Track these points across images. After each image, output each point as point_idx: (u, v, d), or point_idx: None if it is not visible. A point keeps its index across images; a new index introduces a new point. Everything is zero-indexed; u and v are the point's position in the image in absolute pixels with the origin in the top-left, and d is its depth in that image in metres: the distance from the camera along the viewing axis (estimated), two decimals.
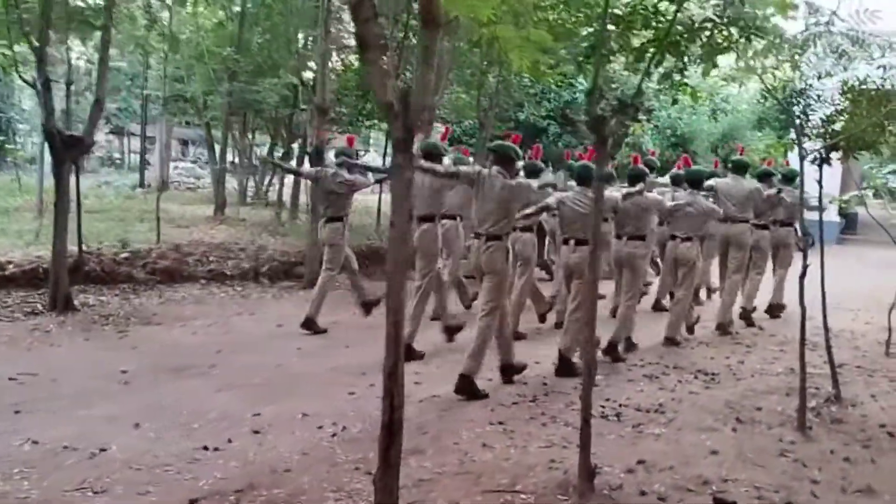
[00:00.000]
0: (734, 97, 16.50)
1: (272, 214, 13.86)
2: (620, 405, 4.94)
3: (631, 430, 4.47)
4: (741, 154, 8.42)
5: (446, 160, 6.76)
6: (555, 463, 3.88)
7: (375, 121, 13.85)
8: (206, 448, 3.96)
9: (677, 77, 5.54)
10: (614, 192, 6.13)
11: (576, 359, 5.58)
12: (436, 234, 6.43)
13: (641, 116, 14.30)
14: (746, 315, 7.89)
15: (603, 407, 4.88)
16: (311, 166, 8.18)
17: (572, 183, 6.42)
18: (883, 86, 4.96)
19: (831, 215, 14.16)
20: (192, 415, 4.49)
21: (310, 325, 6.73)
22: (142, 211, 11.97)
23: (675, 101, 14.79)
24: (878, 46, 5.04)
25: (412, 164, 2.61)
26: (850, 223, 19.84)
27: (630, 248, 6.36)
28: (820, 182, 5.42)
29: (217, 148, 15.45)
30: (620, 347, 6.25)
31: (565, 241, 5.90)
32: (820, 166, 5.27)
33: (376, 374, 5.51)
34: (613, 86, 11.64)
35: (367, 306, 7.35)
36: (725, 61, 5.46)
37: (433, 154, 6.20)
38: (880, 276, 11.32)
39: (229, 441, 4.08)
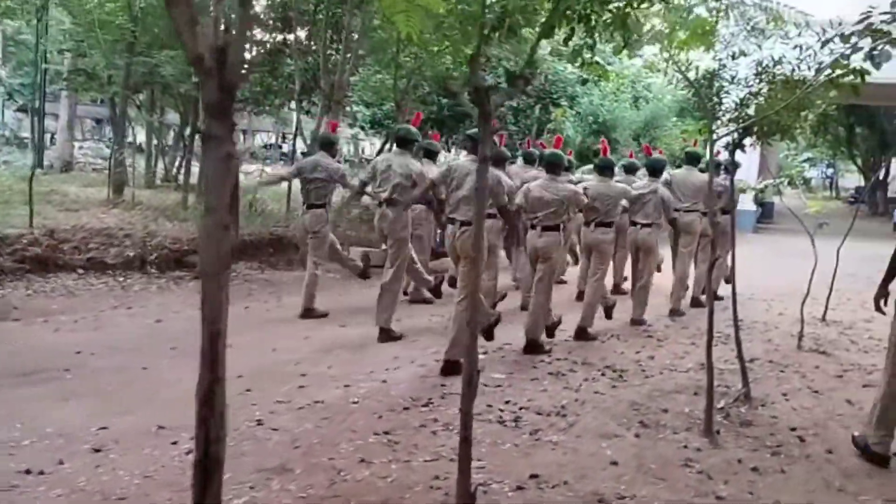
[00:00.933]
0: (657, 86, 16.41)
1: (179, 198, 13.01)
2: (521, 408, 4.54)
3: (528, 437, 4.07)
4: (648, 154, 8.33)
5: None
6: (438, 481, 3.44)
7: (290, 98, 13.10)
8: (28, 472, 3.36)
9: (588, 55, 5.19)
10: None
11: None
12: (406, 219, 6.47)
13: (563, 103, 14.02)
14: (698, 302, 8.11)
15: (502, 410, 4.48)
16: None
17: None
18: (798, 67, 4.69)
19: (747, 204, 14.22)
20: (27, 430, 3.86)
21: (309, 314, 6.80)
22: (37, 193, 10.98)
23: (584, 81, 14.60)
24: (794, 25, 4.79)
25: (232, 134, 2.08)
26: (766, 212, 20.20)
27: (599, 234, 6.62)
28: (728, 169, 5.14)
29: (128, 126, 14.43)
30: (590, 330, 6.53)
31: (532, 227, 6.02)
32: (732, 153, 4.98)
33: (257, 377, 5.14)
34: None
35: (362, 274, 7.77)
36: (651, 51, 5.20)
37: (407, 140, 6.43)
38: (794, 266, 11.34)
39: (60, 463, 3.48)
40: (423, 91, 15.93)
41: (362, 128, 17.45)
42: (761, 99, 4.82)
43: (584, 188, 6.49)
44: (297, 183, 7.62)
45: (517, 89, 3.03)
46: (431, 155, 7.71)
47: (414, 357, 5.61)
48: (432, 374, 5.18)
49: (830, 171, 44.90)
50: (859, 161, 32.08)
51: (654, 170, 7.37)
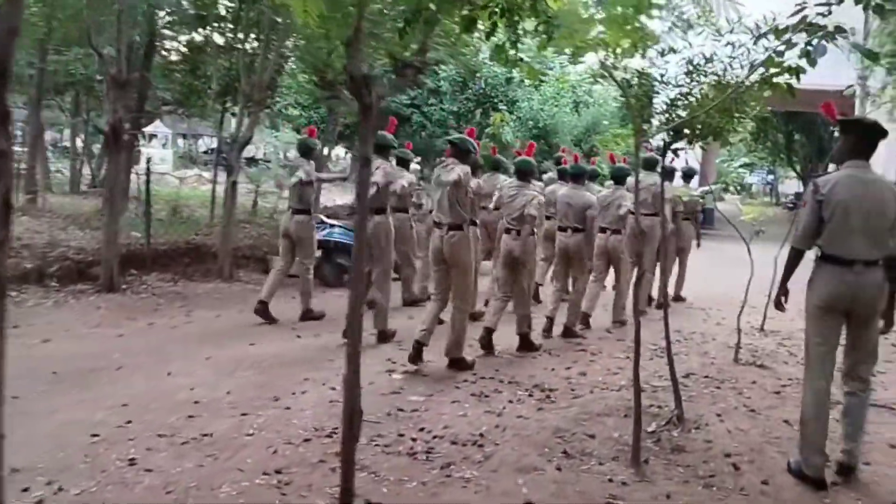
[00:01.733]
0: (599, 91, 16.27)
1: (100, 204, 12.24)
2: (435, 437, 4.11)
3: (438, 472, 3.64)
4: (565, 162, 8.30)
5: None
6: None
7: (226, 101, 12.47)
8: None
9: (512, 52, 4.83)
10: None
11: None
12: (389, 226, 6.40)
13: (501, 107, 13.71)
14: (678, 297, 8.90)
15: (414, 440, 4.04)
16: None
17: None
18: (731, 65, 4.40)
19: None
20: None
21: (308, 315, 6.95)
22: None
23: (509, 80, 14.29)
24: (726, 20, 4.49)
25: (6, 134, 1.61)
26: (706, 218, 20.22)
27: (574, 239, 6.73)
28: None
29: (67, 130, 13.55)
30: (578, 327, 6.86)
31: (507, 231, 6.18)
32: (663, 155, 4.66)
33: (142, 406, 4.54)
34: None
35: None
36: (593, 59, 4.90)
37: (382, 146, 6.35)
38: (734, 273, 11.21)
39: None
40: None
41: (297, 130, 16.87)
42: (693, 100, 4.52)
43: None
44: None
45: (405, 80, 2.60)
46: (404, 163, 7.48)
47: (326, 378, 5.14)
48: (342, 399, 4.71)
49: (771, 177, 45.83)
50: (798, 167, 32.72)
51: (618, 177, 7.35)
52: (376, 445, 3.95)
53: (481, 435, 4.15)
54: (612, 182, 7.45)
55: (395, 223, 6.66)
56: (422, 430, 4.21)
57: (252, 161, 30.92)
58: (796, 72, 3.98)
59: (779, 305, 3.99)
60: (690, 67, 4.49)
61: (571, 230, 6.73)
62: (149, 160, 10.19)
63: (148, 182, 8.88)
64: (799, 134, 30.04)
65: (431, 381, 5.23)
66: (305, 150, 7.16)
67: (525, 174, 6.28)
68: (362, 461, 3.73)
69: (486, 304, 7.11)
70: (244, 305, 7.28)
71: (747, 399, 5.10)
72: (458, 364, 5.51)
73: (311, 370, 5.37)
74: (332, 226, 8.63)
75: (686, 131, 4.57)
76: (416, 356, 5.51)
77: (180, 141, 38.58)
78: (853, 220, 3.49)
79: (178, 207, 12.98)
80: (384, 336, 6.29)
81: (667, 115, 4.53)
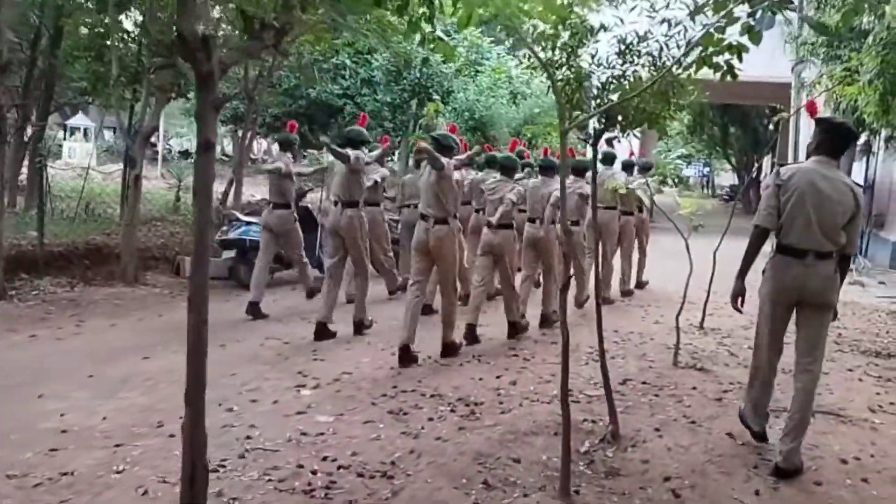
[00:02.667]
0: (537, 83, 15.88)
1: None
2: (340, 467, 3.59)
3: None
4: (527, 156, 8.70)
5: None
6: None
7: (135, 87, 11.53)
8: None
9: (427, 28, 4.35)
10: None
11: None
12: (361, 219, 6.35)
13: (435, 97, 13.20)
14: (640, 285, 9.47)
15: (314, 473, 3.51)
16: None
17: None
18: (667, 45, 3.98)
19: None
20: None
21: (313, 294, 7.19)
22: None
23: (422, 59, 13.70)
24: None
25: None
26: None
27: (542, 231, 6.75)
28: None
29: None
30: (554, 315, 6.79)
31: (488, 225, 6.24)
32: (594, 145, 4.22)
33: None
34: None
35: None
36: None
37: (356, 141, 6.44)
38: (673, 268, 10.97)
39: None
40: (288, 83, 14.78)
41: (223, 122, 16.06)
42: (626, 83, 4.09)
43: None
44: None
45: (261, 44, 2.05)
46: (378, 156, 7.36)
47: (224, 398, 4.55)
48: (239, 423, 4.14)
49: (707, 169, 46.56)
50: (733, 160, 33.19)
51: (578, 170, 7.37)
52: (269, 481, 3.42)
53: (393, 463, 3.64)
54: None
55: (366, 216, 6.63)
56: (325, 458, 3.68)
57: (186, 154, 29.82)
58: (738, 50, 3.59)
59: (735, 304, 3.98)
60: (623, 47, 4.06)
61: (540, 221, 6.78)
62: (40, 154, 9.28)
63: (42, 177, 8.08)
64: (734, 127, 30.41)
65: (344, 396, 4.70)
66: (285, 144, 7.23)
67: (509, 170, 6.55)
68: (249, 502, 3.20)
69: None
70: (145, 313, 6.62)
71: (687, 408, 4.72)
72: (450, 349, 5.75)
73: (208, 387, 4.75)
74: (248, 223, 7.98)
75: (619, 118, 4.16)
76: (405, 359, 5.46)
77: (109, 134, 36.93)
78: (807, 210, 3.56)
79: (92, 204, 12.11)
80: (360, 327, 6.40)
81: (597, 101, 4.09)
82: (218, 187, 15.06)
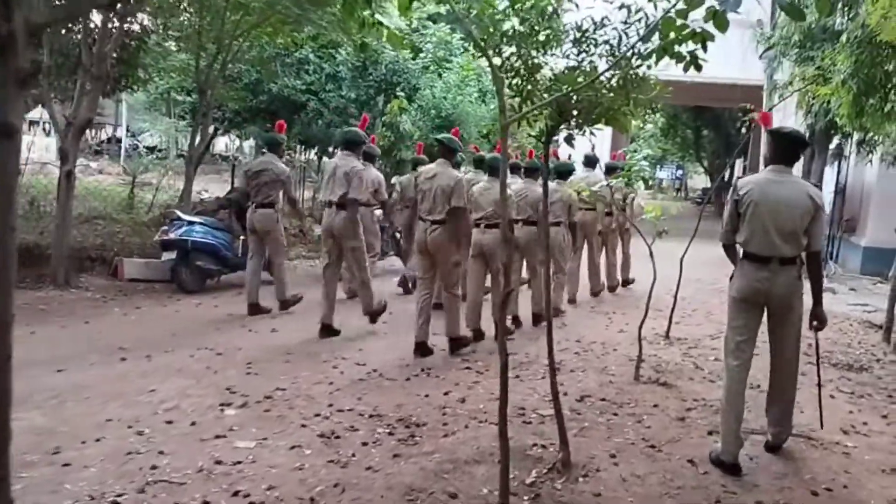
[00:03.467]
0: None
1: None
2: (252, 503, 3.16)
3: None
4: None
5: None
6: None
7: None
8: None
9: (367, 13, 3.96)
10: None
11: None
12: (356, 220, 6.31)
13: (399, 93, 12.76)
14: (626, 282, 9.67)
15: None
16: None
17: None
18: (626, 32, 3.61)
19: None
20: None
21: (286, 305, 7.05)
22: None
23: (388, 55, 13.32)
24: None
25: None
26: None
27: (525, 233, 6.78)
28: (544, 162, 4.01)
29: None
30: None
31: (476, 225, 6.29)
32: (546, 143, 3.83)
33: None
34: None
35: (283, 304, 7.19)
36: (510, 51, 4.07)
37: (354, 142, 6.45)
38: (640, 272, 10.67)
39: None
40: (249, 77, 14.26)
41: (182, 117, 15.48)
42: (582, 75, 3.71)
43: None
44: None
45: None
46: (370, 158, 7.30)
47: (137, 418, 4.10)
48: (147, 448, 3.69)
49: (680, 172, 46.63)
50: (706, 163, 33.18)
51: (561, 173, 7.60)
52: None
53: (312, 500, 3.22)
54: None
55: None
56: (237, 493, 3.25)
57: (151, 150, 28.91)
58: (702, 39, 3.23)
59: None
60: (578, 34, 3.68)
61: (523, 223, 6.80)
62: None
63: None
64: (707, 130, 30.37)
65: (273, 417, 4.26)
66: (273, 145, 7.09)
67: (497, 171, 6.35)
68: None
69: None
70: (70, 319, 6.12)
71: (647, 429, 4.35)
72: (456, 342, 5.91)
73: (121, 406, 4.31)
74: (190, 223, 7.50)
75: (574, 113, 3.79)
76: (422, 352, 5.76)
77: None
78: (766, 219, 3.72)
79: (41, 202, 11.48)
80: (374, 315, 6.60)
81: (548, 94, 3.71)
82: (177, 184, 14.58)
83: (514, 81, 3.68)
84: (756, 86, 15.82)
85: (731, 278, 3.97)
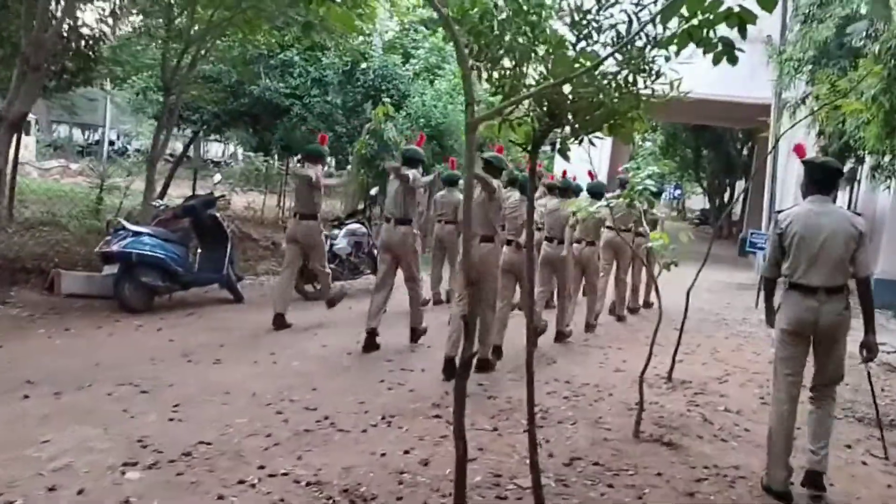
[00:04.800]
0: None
1: None
2: None
3: None
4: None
5: None
6: None
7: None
8: None
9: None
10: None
11: None
12: (414, 236, 6.48)
13: (385, 99, 11.98)
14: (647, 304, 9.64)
15: None
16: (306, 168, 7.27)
17: None
18: (637, 16, 2.83)
19: None
20: None
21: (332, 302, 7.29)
22: None
23: (377, 60, 12.58)
24: None
25: None
26: None
27: (559, 251, 7.07)
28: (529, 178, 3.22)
29: None
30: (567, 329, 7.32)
31: (508, 243, 6.20)
32: (532, 151, 3.04)
33: None
34: None
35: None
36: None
37: (414, 160, 6.50)
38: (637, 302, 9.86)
39: None
40: (228, 79, 13.50)
41: (157, 118, 14.66)
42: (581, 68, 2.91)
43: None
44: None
45: None
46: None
47: (14, 479, 3.26)
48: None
49: (678, 192, 45.94)
50: (705, 183, 32.47)
51: (595, 193, 7.48)
52: None
53: None
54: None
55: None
56: None
57: (122, 152, 28.03)
58: (741, 20, 2.47)
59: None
60: (577, 17, 2.89)
61: (558, 241, 7.05)
62: None
63: None
64: (707, 149, 29.66)
65: (185, 483, 3.42)
66: (315, 156, 7.08)
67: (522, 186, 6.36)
68: None
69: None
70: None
71: None
72: (484, 365, 5.76)
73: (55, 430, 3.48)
74: (136, 234, 6.67)
75: (570, 117, 3.00)
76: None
77: (63, 129, 35.14)
78: (811, 251, 3.75)
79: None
80: (416, 334, 6.61)
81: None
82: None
83: (498, 79, 2.89)
84: (763, 105, 15.09)
85: (777, 308, 3.96)
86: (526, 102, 2.91)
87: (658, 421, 4.90)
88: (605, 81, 2.90)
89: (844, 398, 5.90)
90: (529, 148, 2.97)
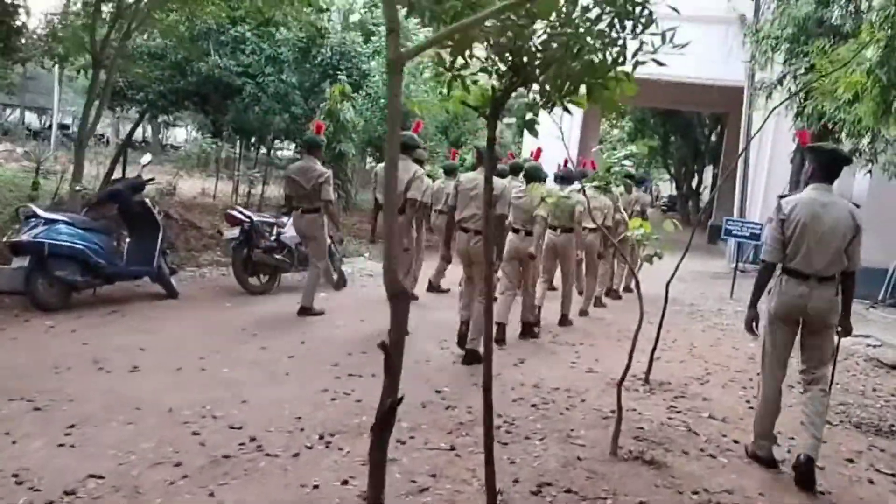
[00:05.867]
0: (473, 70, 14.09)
1: None
2: None
3: None
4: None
5: None
6: None
7: None
8: None
9: None
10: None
11: None
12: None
13: (342, 78, 11.25)
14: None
15: None
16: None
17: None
18: None
19: None
20: None
21: (306, 312, 6.68)
22: None
23: (337, 36, 11.82)
24: None
25: None
26: None
27: (563, 239, 7.12)
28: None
29: None
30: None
31: (515, 231, 6.36)
32: (492, 116, 2.40)
33: None
34: None
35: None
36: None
37: (408, 146, 6.39)
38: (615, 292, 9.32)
39: None
40: (174, 55, 12.61)
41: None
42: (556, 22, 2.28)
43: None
44: None
45: None
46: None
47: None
48: None
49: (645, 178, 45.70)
50: (672, 170, 32.20)
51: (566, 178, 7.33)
52: None
53: None
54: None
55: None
56: None
57: (66, 133, 26.64)
58: None
59: (749, 328, 4.11)
60: None
61: (561, 230, 7.08)
62: None
63: None
64: (675, 136, 29.33)
65: None
66: (313, 146, 6.95)
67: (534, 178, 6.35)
68: None
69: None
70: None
71: None
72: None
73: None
74: (50, 221, 5.89)
75: (538, 74, 2.36)
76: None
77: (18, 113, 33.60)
78: (810, 238, 3.78)
79: None
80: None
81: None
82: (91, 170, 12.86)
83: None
84: (736, 87, 14.65)
85: (769, 291, 4.01)
86: (482, 52, 2.26)
87: (637, 433, 4.32)
88: (583, 28, 2.27)
89: (836, 400, 5.42)
90: (487, 112, 2.31)
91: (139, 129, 23.52)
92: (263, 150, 15.51)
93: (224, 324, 6.06)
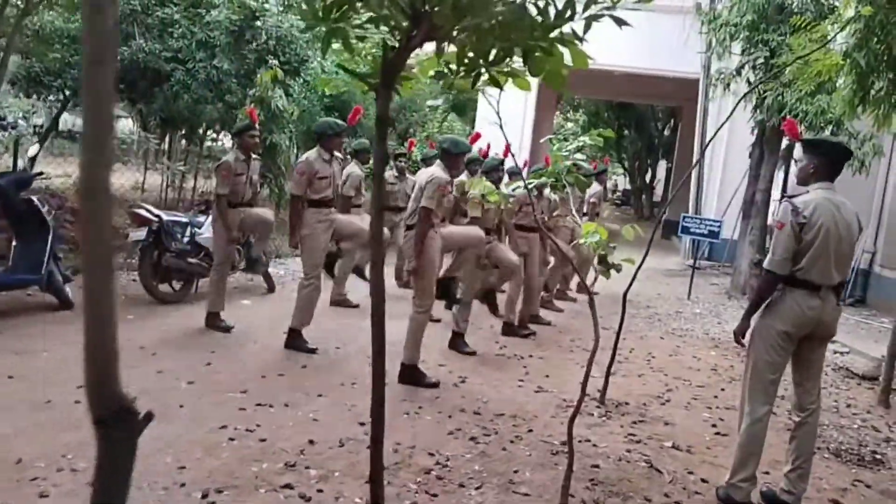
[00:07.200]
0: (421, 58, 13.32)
1: None
2: None
3: None
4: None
5: None
6: None
7: None
8: None
9: None
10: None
11: None
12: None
13: (272, 61, 10.42)
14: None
15: None
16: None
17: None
18: None
19: None
20: None
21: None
22: None
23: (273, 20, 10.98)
24: None
25: None
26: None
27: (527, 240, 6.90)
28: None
29: None
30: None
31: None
32: (382, 87, 1.68)
33: None
34: None
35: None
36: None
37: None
38: (566, 304, 8.71)
39: None
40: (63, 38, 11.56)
41: (12, 84, 12.61)
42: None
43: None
44: None
45: None
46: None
47: None
48: None
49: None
50: (626, 164, 31.96)
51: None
52: None
53: None
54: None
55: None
56: None
57: (11, 128, 25.16)
58: None
59: (738, 340, 3.72)
60: None
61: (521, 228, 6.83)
62: None
63: None
64: (629, 129, 29.03)
65: None
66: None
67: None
68: None
69: None
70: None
71: None
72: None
73: None
74: None
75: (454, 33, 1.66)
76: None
77: None
78: (831, 247, 3.43)
79: None
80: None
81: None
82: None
83: None
84: (691, 79, 14.23)
85: (769, 307, 3.55)
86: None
87: (592, 474, 3.68)
88: None
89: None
90: (379, 80, 1.60)
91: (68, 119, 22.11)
92: (196, 142, 14.53)
93: (119, 341, 5.24)
